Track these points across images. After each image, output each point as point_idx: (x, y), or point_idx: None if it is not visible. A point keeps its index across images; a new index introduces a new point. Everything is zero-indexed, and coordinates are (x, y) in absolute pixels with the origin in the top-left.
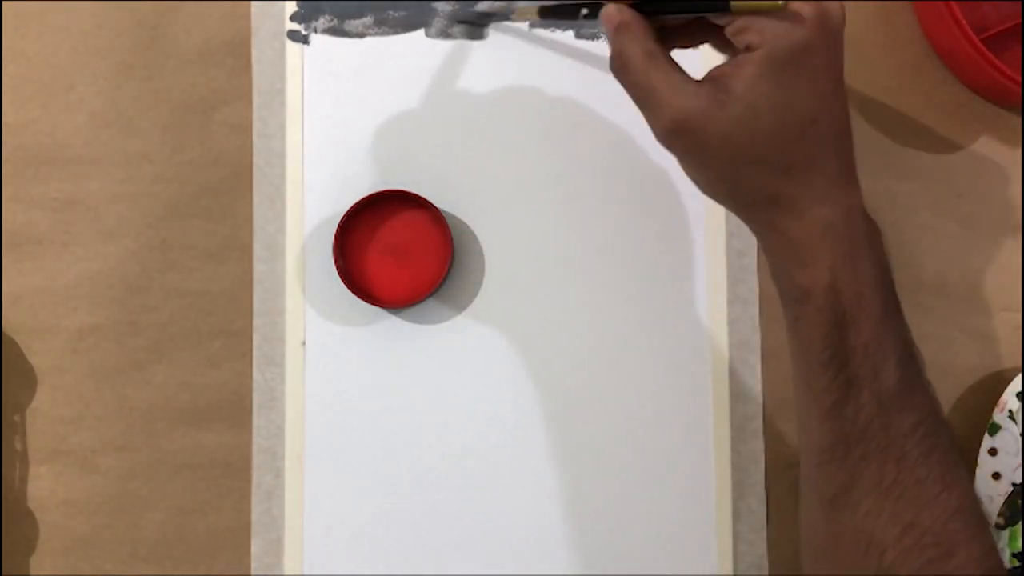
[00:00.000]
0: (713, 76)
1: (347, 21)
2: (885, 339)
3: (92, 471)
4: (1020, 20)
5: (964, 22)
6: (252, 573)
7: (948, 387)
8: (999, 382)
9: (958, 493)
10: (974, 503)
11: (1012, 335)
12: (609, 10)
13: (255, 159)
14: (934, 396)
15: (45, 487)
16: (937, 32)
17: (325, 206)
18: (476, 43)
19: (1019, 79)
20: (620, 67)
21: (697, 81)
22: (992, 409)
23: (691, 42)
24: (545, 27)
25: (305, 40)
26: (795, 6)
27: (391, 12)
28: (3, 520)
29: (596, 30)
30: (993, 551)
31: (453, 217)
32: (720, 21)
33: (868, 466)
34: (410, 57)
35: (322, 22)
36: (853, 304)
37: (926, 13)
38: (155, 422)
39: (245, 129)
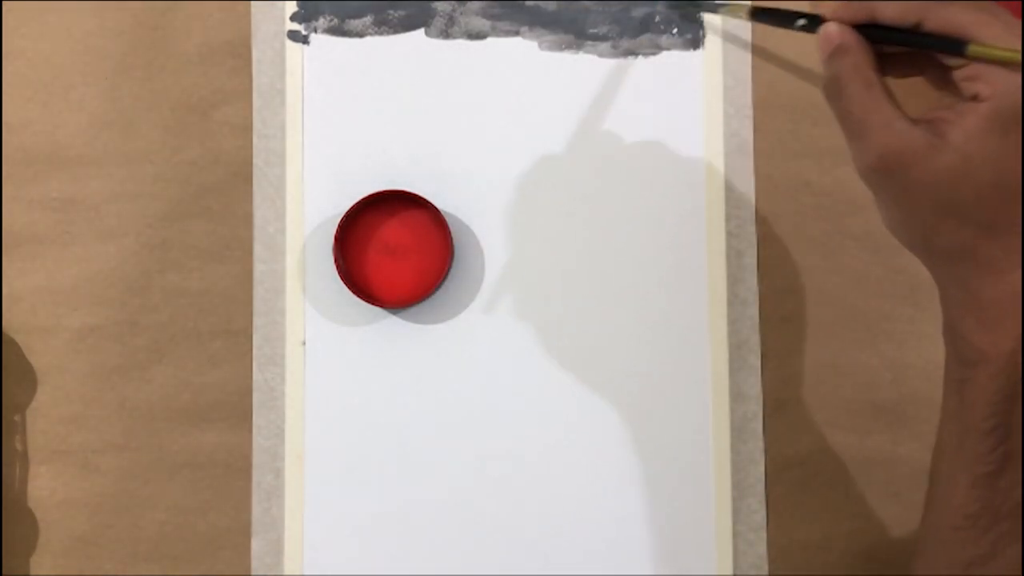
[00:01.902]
0: (930, 119)
1: (347, 21)
2: None
3: (92, 471)
4: (1020, 20)
5: None
6: (252, 573)
7: None
8: None
9: None
10: None
11: None
12: (830, 30)
13: (255, 159)
14: None
15: (45, 487)
16: None
17: (325, 206)
18: (476, 43)
19: None
20: (834, 93)
21: (913, 120)
22: None
23: (908, 73)
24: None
25: (305, 40)
26: None
27: (391, 12)
28: (3, 520)
29: (600, 29)
30: None
31: (453, 217)
32: (951, 63)
33: (1012, 543)
34: (410, 57)
35: (322, 22)
36: None
37: None
38: (155, 422)
39: (245, 129)
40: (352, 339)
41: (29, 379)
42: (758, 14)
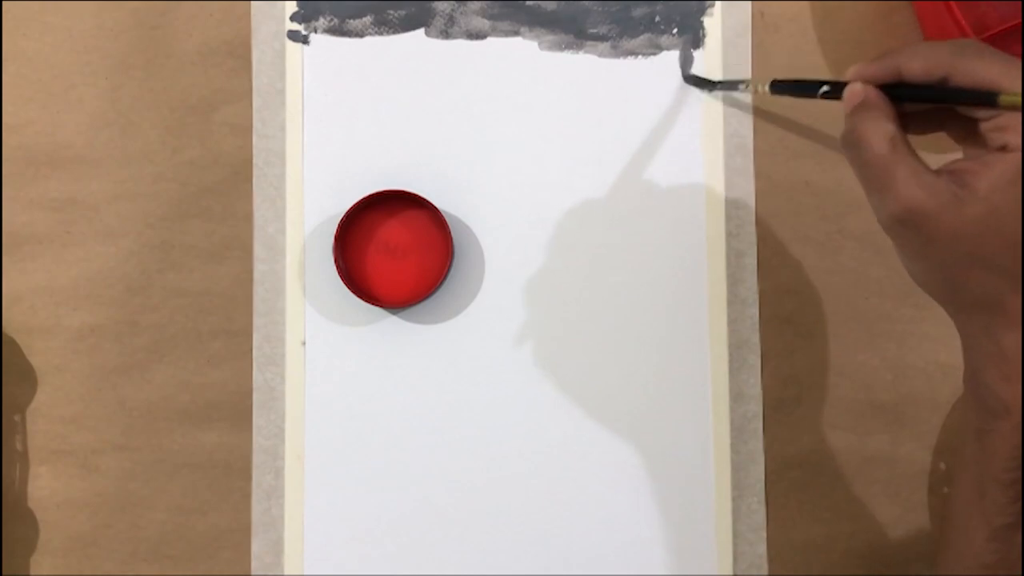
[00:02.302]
0: (955, 170)
1: (347, 21)
2: None
3: (92, 471)
4: (1020, 20)
5: (964, 22)
6: (252, 573)
7: (948, 387)
8: None
9: None
10: None
11: None
12: (855, 88)
13: (255, 159)
14: None
15: (45, 487)
16: (937, 32)
17: (325, 206)
18: (476, 43)
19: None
20: (854, 146)
21: (935, 171)
22: None
23: (929, 129)
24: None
25: (305, 40)
26: None
27: (391, 12)
28: (3, 520)
29: (600, 29)
30: None
31: (453, 217)
32: (981, 115)
33: None
34: (410, 57)
35: (322, 22)
36: None
37: (926, 13)
38: (155, 422)
39: (245, 129)
40: (352, 339)
41: (29, 379)
42: (779, 87)
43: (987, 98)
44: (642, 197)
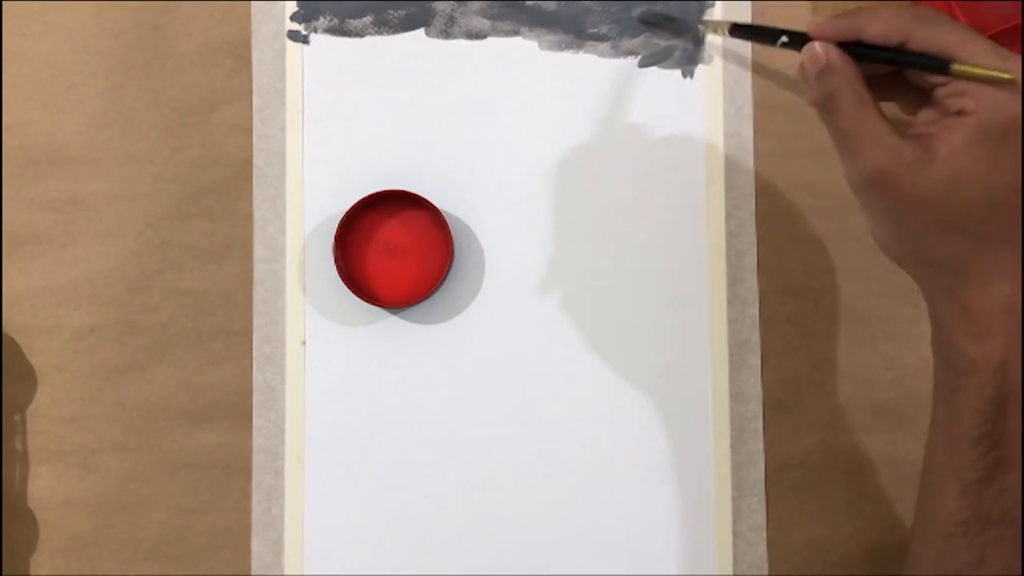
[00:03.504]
0: (919, 134)
1: (347, 21)
2: None
3: (92, 471)
4: (1020, 20)
5: (964, 22)
6: (252, 573)
7: None
8: None
9: None
10: None
11: None
12: (816, 48)
13: (255, 159)
14: None
15: (45, 487)
16: None
17: (325, 206)
18: (476, 43)
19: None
20: (827, 108)
21: (903, 135)
22: None
23: (887, 94)
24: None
25: (305, 40)
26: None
27: (391, 12)
28: (3, 520)
29: (600, 29)
30: None
31: (453, 217)
32: (936, 80)
33: (1001, 548)
34: (410, 57)
35: (322, 22)
36: (1014, 387)
37: None
38: (155, 422)
39: (245, 129)
40: (352, 339)
41: (29, 379)
42: (739, 31)
43: (942, 65)
44: (642, 197)
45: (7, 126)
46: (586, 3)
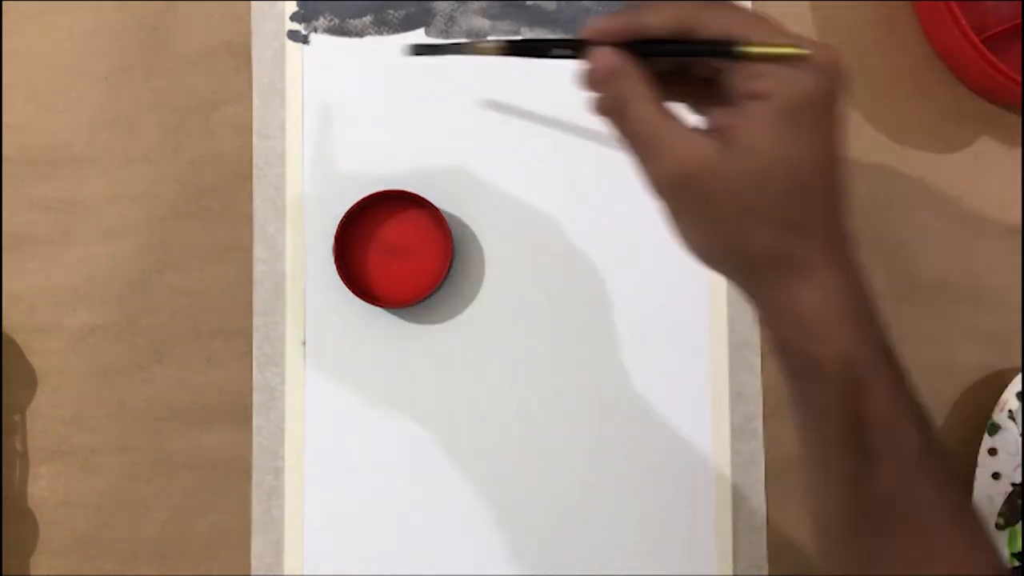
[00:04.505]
0: (717, 127)
1: (347, 21)
2: (902, 407)
3: (92, 471)
4: (1020, 20)
5: (964, 22)
6: (252, 573)
7: (948, 387)
8: (999, 382)
9: (985, 558)
10: (1002, 565)
11: (1012, 335)
12: (599, 55)
13: (255, 159)
14: (947, 455)
15: (45, 487)
16: (937, 32)
17: (325, 206)
18: None
19: (1019, 79)
20: (616, 114)
21: (701, 130)
22: (992, 409)
23: (680, 91)
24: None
25: (305, 40)
26: (814, 55)
27: (391, 12)
28: (3, 520)
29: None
30: None
31: (453, 217)
32: (727, 68)
33: (893, 541)
34: (410, 57)
35: (322, 22)
36: (867, 374)
37: (926, 13)
38: (155, 422)
39: (245, 129)
40: (352, 339)
41: (29, 379)
42: (513, 48)
43: (734, 50)
44: (642, 197)
45: (7, 126)
46: (586, 3)
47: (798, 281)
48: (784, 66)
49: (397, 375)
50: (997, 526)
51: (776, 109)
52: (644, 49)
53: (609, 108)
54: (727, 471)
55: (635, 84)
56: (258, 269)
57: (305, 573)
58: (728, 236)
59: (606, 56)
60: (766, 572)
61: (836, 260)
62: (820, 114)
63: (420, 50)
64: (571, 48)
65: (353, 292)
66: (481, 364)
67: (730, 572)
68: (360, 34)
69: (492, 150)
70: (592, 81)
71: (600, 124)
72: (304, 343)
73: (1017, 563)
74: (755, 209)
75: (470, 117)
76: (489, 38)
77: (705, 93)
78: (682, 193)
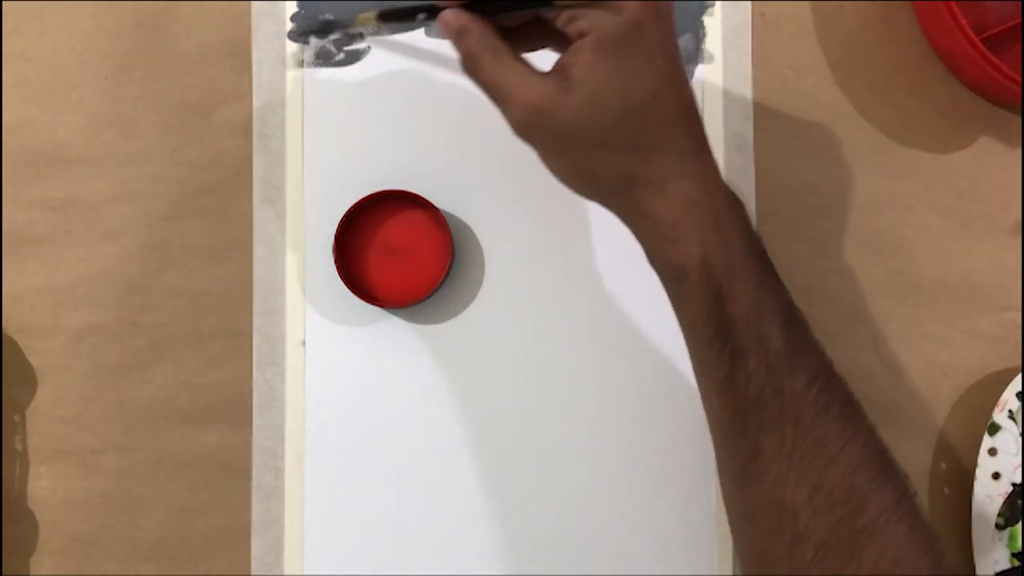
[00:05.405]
0: (556, 67)
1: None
2: (765, 305)
3: (92, 471)
4: (1020, 20)
5: (964, 22)
6: (252, 573)
7: (948, 387)
8: (999, 382)
9: (859, 446)
10: (878, 452)
11: (1012, 335)
12: (447, 16)
13: (255, 159)
14: (824, 353)
15: (45, 487)
16: (937, 32)
17: (325, 206)
18: None
19: (1019, 79)
20: (471, 68)
21: (544, 72)
22: (992, 409)
23: (535, 46)
24: (387, 32)
25: (305, 40)
26: None
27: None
28: (3, 520)
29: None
30: (905, 497)
31: (453, 217)
32: (549, 15)
33: (767, 434)
34: (410, 57)
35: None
36: (727, 274)
37: (926, 13)
38: (155, 422)
39: (245, 129)
40: (352, 339)
41: (29, 379)
42: (385, 18)
43: (546, 2)
44: None
45: (7, 126)
46: None
47: (653, 196)
48: (596, 8)
49: (397, 375)
50: (997, 526)
51: (595, 43)
52: (487, 8)
53: (465, 64)
54: None
55: (479, 37)
56: (258, 269)
57: (305, 573)
58: (581, 164)
59: (451, 16)
60: None
61: (686, 174)
62: (637, 42)
63: (303, 29)
64: (428, 13)
65: (353, 292)
66: (481, 364)
67: (730, 572)
68: (360, 34)
69: (492, 150)
70: (450, 41)
71: None
72: (304, 343)
73: (1017, 563)
74: (596, 136)
75: (470, 117)
76: (362, 13)
77: (563, 41)
78: (534, 131)
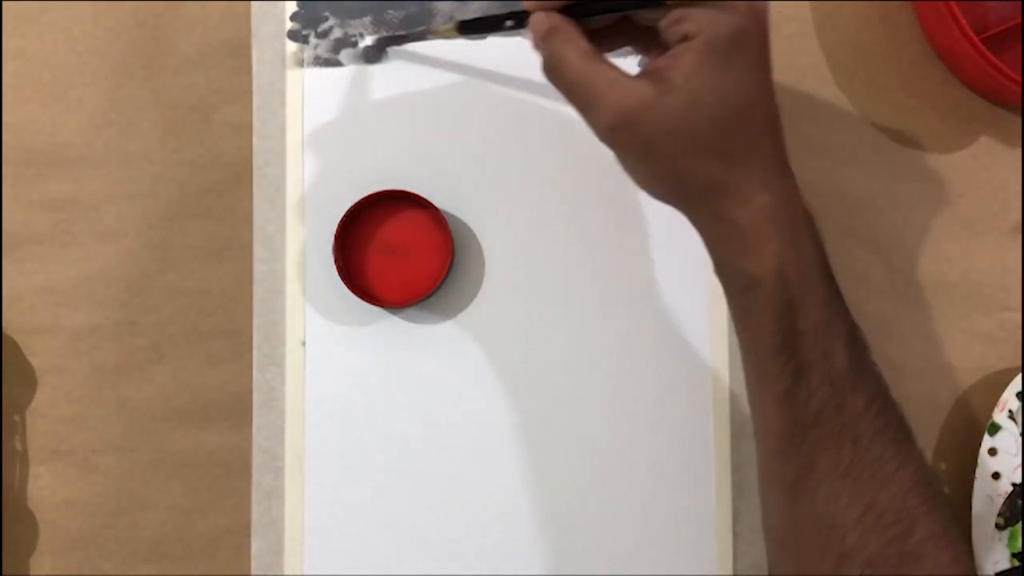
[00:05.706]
0: (651, 70)
1: (347, 21)
2: (833, 321)
3: (92, 471)
4: (1020, 20)
5: (964, 22)
6: (252, 573)
7: (948, 387)
8: (999, 382)
9: (913, 469)
10: (930, 478)
11: (1012, 335)
12: (537, 19)
13: (255, 159)
14: (881, 375)
15: (45, 487)
16: (937, 32)
17: (325, 206)
18: (476, 43)
19: (1019, 79)
20: (555, 69)
21: (636, 75)
22: (992, 409)
23: (616, 46)
24: (468, 39)
25: (305, 40)
26: None
27: (391, 12)
28: (3, 520)
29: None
30: (953, 524)
31: (453, 217)
32: (653, 16)
33: (824, 450)
34: (410, 57)
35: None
36: (801, 287)
37: (926, 13)
38: (155, 422)
39: (245, 129)
40: (352, 339)
41: (29, 379)
42: (466, 28)
43: (656, 1)
44: (642, 197)
45: (7, 126)
46: None
47: (734, 205)
48: (706, 9)
49: (397, 375)
50: (997, 526)
51: (702, 47)
52: (580, 11)
53: (549, 65)
54: (727, 471)
55: (567, 38)
56: (258, 269)
57: (305, 573)
58: (670, 171)
59: (541, 19)
60: (766, 572)
61: (770, 185)
62: (742, 49)
63: (384, 43)
64: (517, 20)
65: (353, 292)
66: (481, 364)
67: (730, 572)
68: (360, 34)
69: (492, 150)
70: (535, 44)
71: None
72: (304, 343)
73: (1017, 563)
74: (689, 142)
75: (471, 117)
76: (447, 31)
77: (649, 41)
78: (622, 136)
